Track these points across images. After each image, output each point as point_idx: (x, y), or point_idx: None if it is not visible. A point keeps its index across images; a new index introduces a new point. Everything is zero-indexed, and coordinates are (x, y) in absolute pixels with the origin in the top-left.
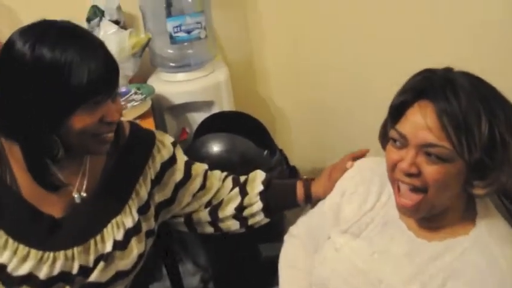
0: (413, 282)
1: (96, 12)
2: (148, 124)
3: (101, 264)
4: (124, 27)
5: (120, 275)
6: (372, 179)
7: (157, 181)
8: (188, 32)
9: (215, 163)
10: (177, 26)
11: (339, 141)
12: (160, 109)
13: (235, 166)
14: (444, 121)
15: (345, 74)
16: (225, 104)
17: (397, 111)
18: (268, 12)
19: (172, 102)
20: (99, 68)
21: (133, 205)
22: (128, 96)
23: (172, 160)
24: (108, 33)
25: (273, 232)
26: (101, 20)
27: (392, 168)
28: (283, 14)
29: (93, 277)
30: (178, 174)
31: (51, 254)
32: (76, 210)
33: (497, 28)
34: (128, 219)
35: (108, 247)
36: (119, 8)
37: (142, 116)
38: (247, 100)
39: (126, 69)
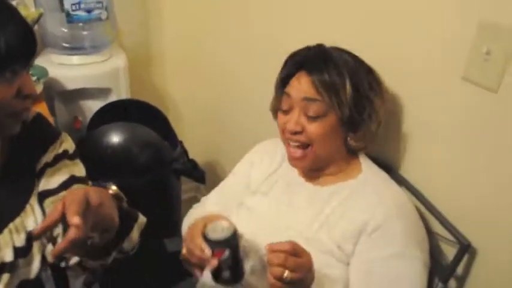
0: (314, 223)
1: None
2: (42, 109)
3: (5, 275)
4: None
5: (24, 285)
6: (274, 151)
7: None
8: (88, 11)
9: (116, 154)
10: (75, 4)
11: (231, 137)
12: (50, 94)
13: (138, 157)
14: (317, 86)
15: (242, 71)
16: (122, 92)
17: (282, 82)
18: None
19: (64, 87)
20: (18, 34)
21: (35, 203)
22: None
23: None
24: None
25: (172, 228)
26: None
27: (283, 131)
28: (186, 2)
29: None
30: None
31: None
32: None
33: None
34: (29, 220)
35: (8, 255)
36: None
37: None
38: (142, 89)
39: None
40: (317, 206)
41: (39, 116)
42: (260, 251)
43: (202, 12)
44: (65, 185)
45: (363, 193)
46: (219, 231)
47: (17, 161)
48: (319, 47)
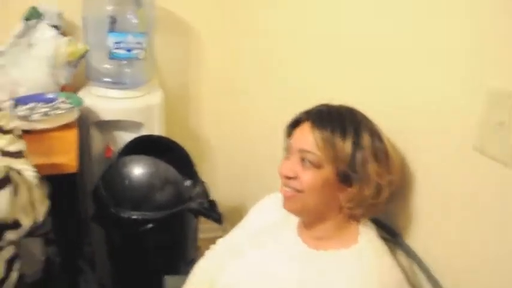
0: (292, 283)
1: (33, 14)
2: (71, 135)
3: None
4: (63, 34)
5: None
6: (279, 209)
7: None
8: (128, 50)
9: (135, 185)
10: (118, 42)
11: (258, 182)
12: (87, 122)
13: (155, 191)
14: (316, 136)
15: (277, 117)
16: (155, 128)
17: (289, 129)
18: (210, 43)
19: (100, 117)
20: None
21: None
22: (54, 103)
23: None
24: (44, 36)
25: (184, 266)
26: (38, 22)
27: (280, 175)
28: (224, 46)
29: None
30: None
31: None
32: None
33: None
34: None
35: None
36: (60, 15)
37: (66, 126)
38: (177, 127)
39: (59, 76)
40: (304, 268)
41: None
42: None
43: (242, 58)
44: None
45: (349, 266)
46: None
47: None
48: (330, 104)
